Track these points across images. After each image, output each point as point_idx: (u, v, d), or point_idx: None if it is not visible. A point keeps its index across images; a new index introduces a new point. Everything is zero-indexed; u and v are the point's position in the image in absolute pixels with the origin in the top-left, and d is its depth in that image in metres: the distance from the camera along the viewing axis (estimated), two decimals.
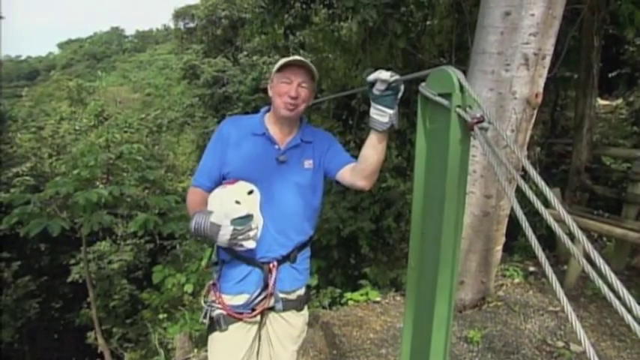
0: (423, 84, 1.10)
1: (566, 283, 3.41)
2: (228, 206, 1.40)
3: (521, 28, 2.45)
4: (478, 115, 0.94)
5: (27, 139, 10.09)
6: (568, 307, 0.79)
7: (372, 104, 1.34)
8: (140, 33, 67.91)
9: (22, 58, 65.90)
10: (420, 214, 1.17)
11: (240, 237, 1.37)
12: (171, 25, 21.19)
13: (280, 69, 1.54)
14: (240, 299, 1.55)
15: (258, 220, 1.44)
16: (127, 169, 6.44)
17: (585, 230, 3.29)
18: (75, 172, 5.30)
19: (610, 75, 7.72)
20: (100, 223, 5.04)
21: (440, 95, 1.03)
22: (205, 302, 1.59)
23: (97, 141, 9.29)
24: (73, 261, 9.89)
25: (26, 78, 51.75)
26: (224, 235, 1.36)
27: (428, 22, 6.21)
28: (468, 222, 2.94)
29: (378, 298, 3.80)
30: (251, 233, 1.39)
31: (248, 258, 1.53)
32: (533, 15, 2.41)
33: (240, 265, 1.56)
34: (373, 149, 1.44)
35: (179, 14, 18.46)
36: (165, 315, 4.97)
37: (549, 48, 2.53)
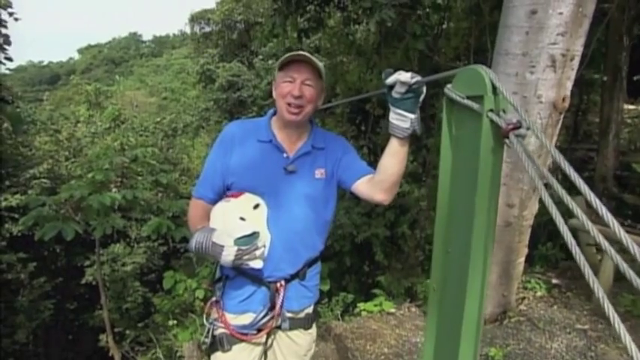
0: (448, 85, 0.99)
1: (594, 298, 3.21)
2: (232, 223, 1.30)
3: (547, 28, 2.31)
4: (514, 121, 0.82)
5: (45, 142, 10.24)
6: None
7: (392, 108, 1.22)
8: (157, 38, 69.05)
9: (45, 63, 67.61)
10: (444, 230, 1.05)
11: (246, 257, 1.26)
12: (187, 30, 21.41)
13: (282, 67, 1.39)
14: (244, 319, 1.44)
15: (265, 238, 1.33)
16: (142, 173, 6.45)
17: (617, 242, 3.09)
18: (90, 175, 5.32)
19: (635, 78, 7.44)
20: (112, 227, 5.05)
21: (469, 98, 0.92)
22: (207, 320, 1.48)
23: (113, 144, 9.37)
24: (87, 262, 9.98)
25: (48, 82, 53.04)
26: (227, 256, 1.25)
27: (444, 25, 6.08)
28: None
29: (392, 310, 3.66)
30: (257, 252, 1.28)
31: (254, 276, 1.42)
32: (561, 13, 2.27)
33: (245, 283, 1.44)
34: (393, 158, 1.31)
35: (195, 18, 18.64)
36: (174, 322, 4.92)
37: (578, 49, 2.39)
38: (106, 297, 7.44)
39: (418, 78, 1.14)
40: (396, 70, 1.18)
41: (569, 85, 2.51)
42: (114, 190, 5.66)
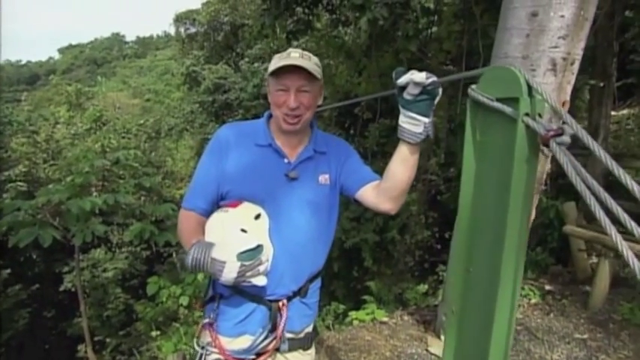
0: (473, 86, 0.89)
1: (591, 305, 3.18)
2: (233, 236, 1.17)
3: (549, 30, 2.25)
4: (555, 127, 0.72)
5: (22, 144, 9.87)
6: None
7: (403, 111, 1.12)
8: (140, 39, 68.12)
9: (23, 62, 65.90)
10: (465, 247, 0.95)
11: (249, 273, 1.13)
12: (172, 31, 21.09)
13: (273, 73, 1.26)
14: (241, 342, 1.30)
15: (268, 251, 1.20)
16: (124, 176, 6.24)
17: (612, 249, 3.07)
18: (69, 178, 5.10)
19: (618, 84, 7.57)
20: (93, 233, 4.84)
21: (499, 100, 0.82)
22: (199, 344, 1.33)
23: (94, 146, 9.09)
24: (66, 269, 9.64)
25: (26, 82, 51.70)
26: (229, 274, 1.11)
27: (434, 29, 6.05)
28: None
29: (385, 319, 3.57)
30: (261, 268, 1.14)
31: (252, 293, 1.29)
32: (563, 16, 2.22)
33: (241, 302, 1.30)
34: (403, 164, 1.20)
35: (180, 19, 18.34)
36: (158, 332, 4.73)
37: (579, 52, 2.34)
38: (86, 304, 7.18)
39: (434, 78, 1.04)
40: (408, 70, 1.08)
41: (569, 89, 2.45)
42: (95, 194, 5.46)
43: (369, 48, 6.44)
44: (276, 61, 1.25)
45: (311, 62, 1.25)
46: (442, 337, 2.94)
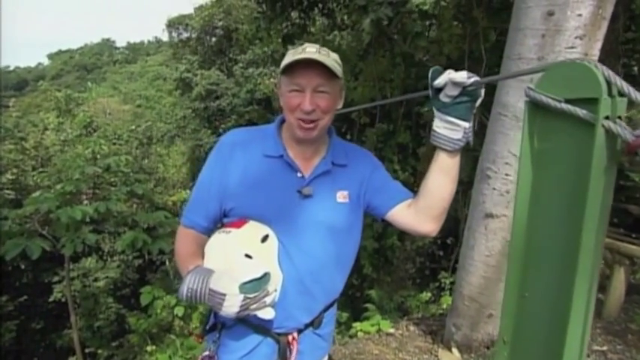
0: (530, 86, 0.77)
1: (605, 313, 3.08)
2: (236, 263, 1.02)
3: (565, 30, 2.17)
4: None
5: (9, 151, 9.62)
6: None
7: (439, 115, 1.00)
8: (131, 45, 67.72)
9: (11, 68, 65.06)
10: (520, 269, 0.83)
11: (254, 306, 0.99)
12: (163, 37, 20.93)
13: (286, 71, 1.08)
14: None
15: (276, 279, 1.05)
16: (115, 183, 6.08)
17: (627, 256, 2.98)
18: (59, 186, 4.93)
19: None
20: (84, 243, 4.67)
21: (568, 102, 0.70)
22: None
23: (84, 153, 8.89)
24: (56, 278, 9.38)
25: (14, 88, 50.98)
26: (231, 308, 0.97)
27: (433, 32, 5.99)
28: (499, 248, 2.62)
29: (391, 330, 3.44)
30: (267, 299, 1.00)
31: (258, 324, 1.14)
32: (580, 15, 2.13)
33: (246, 333, 1.15)
34: (444, 176, 1.06)
35: (173, 24, 18.18)
36: (153, 347, 4.57)
37: (595, 52, 2.26)
38: (76, 315, 6.97)
39: (476, 78, 0.93)
40: (445, 69, 0.97)
41: None
42: (85, 202, 5.30)
43: (366, 52, 6.37)
44: (290, 57, 1.08)
45: (330, 58, 1.07)
46: (454, 351, 2.82)
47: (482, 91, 0.97)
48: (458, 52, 4.77)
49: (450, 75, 0.94)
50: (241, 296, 0.96)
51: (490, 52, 4.52)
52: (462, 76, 0.93)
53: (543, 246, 0.79)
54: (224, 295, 0.97)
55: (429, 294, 4.88)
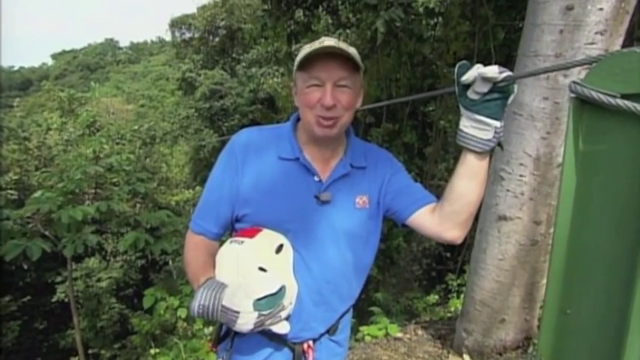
0: (576, 80, 0.69)
1: None
2: (250, 277, 0.96)
3: (586, 26, 2.08)
4: None
5: (13, 151, 9.60)
6: None
7: (467, 114, 0.91)
8: (134, 44, 67.87)
9: (15, 68, 65.33)
10: (562, 282, 0.75)
11: (268, 322, 0.94)
12: (166, 37, 20.92)
13: (303, 65, 1.00)
14: None
15: (292, 292, 0.99)
16: (118, 183, 6.03)
17: None
18: (60, 185, 4.88)
19: None
20: (85, 244, 4.61)
21: (625, 97, 0.62)
22: None
23: (86, 152, 8.86)
24: (59, 278, 9.36)
25: (18, 88, 51.18)
26: (244, 325, 0.92)
27: (439, 31, 5.91)
28: (513, 252, 2.53)
29: (399, 334, 3.36)
30: (283, 314, 0.95)
31: (273, 334, 1.07)
32: (601, 9, 2.04)
33: (260, 342, 1.10)
34: (473, 180, 0.98)
35: (176, 23, 18.16)
36: (157, 350, 4.51)
37: (617, 49, 2.17)
38: (79, 315, 6.92)
39: (508, 73, 0.85)
40: (471, 66, 0.89)
41: None
42: (87, 202, 5.24)
43: (372, 50, 6.29)
44: (307, 49, 0.99)
45: (350, 50, 0.99)
46: (465, 357, 2.74)
47: (516, 87, 0.89)
48: (465, 51, 4.68)
49: (479, 70, 0.86)
50: (255, 314, 0.91)
51: (498, 50, 4.43)
52: (493, 70, 0.84)
53: (590, 258, 0.71)
54: (237, 312, 0.91)
55: (436, 296, 4.80)
